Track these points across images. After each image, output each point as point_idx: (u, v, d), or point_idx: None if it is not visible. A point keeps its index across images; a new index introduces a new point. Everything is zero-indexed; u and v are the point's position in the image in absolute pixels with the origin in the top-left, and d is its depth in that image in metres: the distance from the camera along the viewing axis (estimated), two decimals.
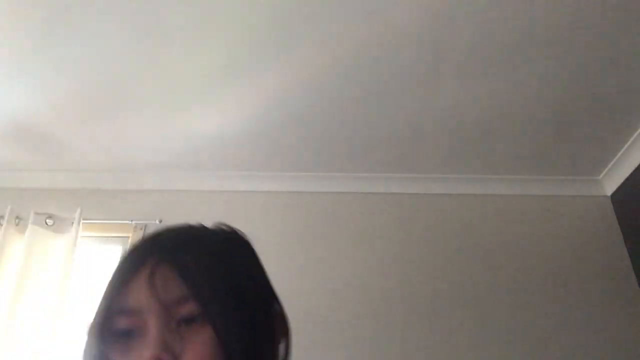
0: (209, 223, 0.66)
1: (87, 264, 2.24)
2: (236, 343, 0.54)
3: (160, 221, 2.26)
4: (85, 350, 0.57)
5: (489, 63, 1.77)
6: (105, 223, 2.27)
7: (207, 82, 1.89)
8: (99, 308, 0.56)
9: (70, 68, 1.82)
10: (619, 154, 2.23)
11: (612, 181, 2.34)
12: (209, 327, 0.53)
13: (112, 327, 0.55)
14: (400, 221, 2.34)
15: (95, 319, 0.56)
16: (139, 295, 0.54)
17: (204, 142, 2.20)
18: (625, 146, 2.18)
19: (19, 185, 2.40)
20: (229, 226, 0.66)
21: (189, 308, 0.54)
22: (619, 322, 2.09)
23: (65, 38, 1.68)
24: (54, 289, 2.03)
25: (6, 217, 2.16)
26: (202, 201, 2.39)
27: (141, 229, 2.28)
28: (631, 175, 2.21)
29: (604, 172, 2.36)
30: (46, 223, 2.17)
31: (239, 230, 0.66)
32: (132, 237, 2.28)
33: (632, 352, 2.03)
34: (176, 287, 0.54)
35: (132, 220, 2.26)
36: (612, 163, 2.29)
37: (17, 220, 2.19)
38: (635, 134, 2.11)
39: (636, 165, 2.16)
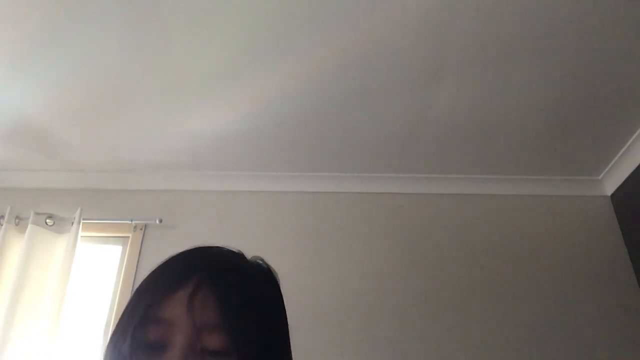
0: (240, 247, 0.68)
1: (87, 264, 2.25)
2: None
3: (160, 221, 2.26)
4: (108, 348, 0.59)
5: (489, 63, 1.77)
6: (105, 223, 2.27)
7: (207, 82, 1.89)
8: (134, 310, 0.58)
9: (70, 68, 1.82)
10: (619, 154, 2.23)
11: (612, 181, 2.34)
12: None
13: (142, 334, 0.56)
14: (398, 221, 2.34)
15: (127, 320, 0.58)
16: (176, 309, 0.56)
17: (204, 142, 2.20)
18: (625, 146, 2.18)
19: (19, 185, 2.40)
20: (265, 262, 0.68)
21: (219, 339, 0.55)
22: (619, 322, 2.09)
23: (65, 38, 1.68)
24: (54, 289, 2.03)
25: (6, 217, 2.16)
26: (202, 201, 2.39)
27: (141, 229, 2.29)
28: (631, 175, 2.21)
29: (604, 172, 2.36)
30: (46, 223, 2.17)
31: (273, 269, 0.68)
32: (132, 237, 2.28)
33: (632, 352, 2.03)
34: (212, 313, 0.56)
35: (132, 220, 2.26)
36: (612, 163, 2.29)
37: (17, 220, 2.19)
38: (635, 134, 2.11)
39: (636, 165, 2.16)
